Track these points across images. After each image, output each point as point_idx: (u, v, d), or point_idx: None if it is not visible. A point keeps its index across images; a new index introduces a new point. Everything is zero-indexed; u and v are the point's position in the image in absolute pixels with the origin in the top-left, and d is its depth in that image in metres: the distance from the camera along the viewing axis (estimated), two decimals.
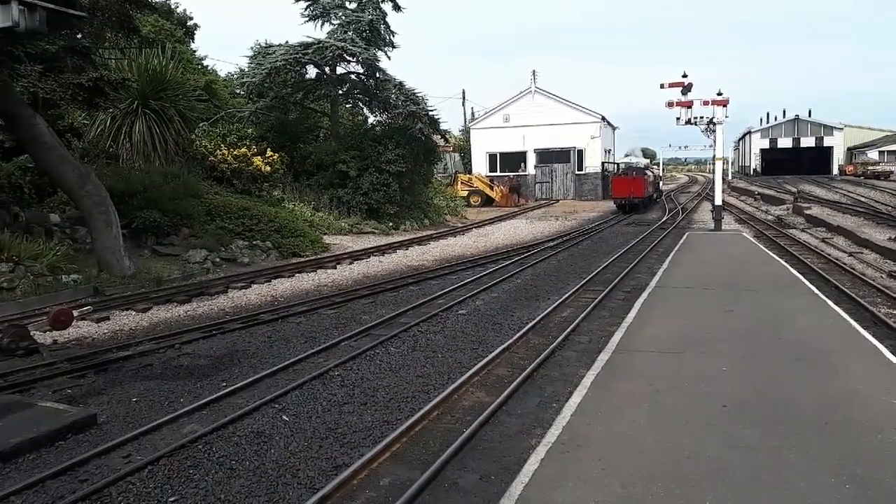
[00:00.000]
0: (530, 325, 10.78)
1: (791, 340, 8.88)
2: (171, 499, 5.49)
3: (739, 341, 8.92)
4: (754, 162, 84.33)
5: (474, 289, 14.38)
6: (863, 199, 35.28)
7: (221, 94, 30.67)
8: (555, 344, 9.54)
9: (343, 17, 26.08)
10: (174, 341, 10.33)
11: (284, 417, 7.14)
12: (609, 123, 55.51)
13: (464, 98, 77.10)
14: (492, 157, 52.43)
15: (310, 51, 23.98)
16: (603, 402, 6.77)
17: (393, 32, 27.35)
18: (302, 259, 19.00)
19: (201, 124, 24.39)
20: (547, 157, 51.08)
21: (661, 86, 23.87)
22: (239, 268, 17.33)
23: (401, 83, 26.22)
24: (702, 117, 23.74)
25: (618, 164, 52.30)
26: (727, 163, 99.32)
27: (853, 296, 12.25)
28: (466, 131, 57.44)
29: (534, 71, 52.22)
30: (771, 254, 17.79)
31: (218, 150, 22.85)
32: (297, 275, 16.43)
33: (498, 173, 50.89)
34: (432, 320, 11.37)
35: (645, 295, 12.43)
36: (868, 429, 5.88)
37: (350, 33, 25.32)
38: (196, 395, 7.99)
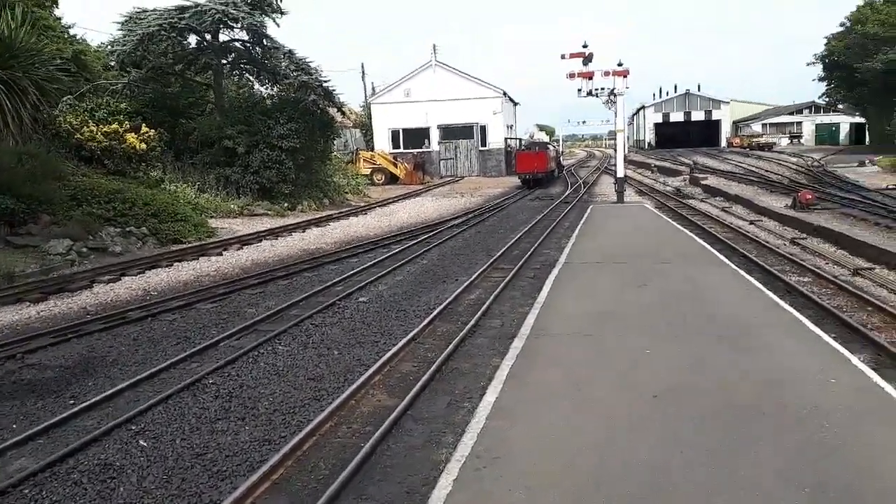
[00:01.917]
0: (437, 310, 9.82)
1: (712, 315, 8.36)
2: None
3: (659, 318, 8.32)
4: (649, 136, 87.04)
5: (377, 272, 13.28)
6: (753, 168, 36.64)
7: (93, 66, 27.68)
8: (465, 331, 8.62)
9: None
10: (18, 349, 8.66)
11: (142, 442, 5.84)
12: (510, 99, 55.25)
13: (363, 72, 74.47)
14: (394, 133, 50.99)
15: (186, 15, 21.72)
16: (520, 400, 5.89)
17: None
18: (184, 246, 17.20)
19: (65, 99, 21.73)
20: (450, 133, 50.21)
21: (563, 56, 23.40)
22: (110, 258, 15.40)
23: (290, 51, 24.31)
24: (602, 88, 23.50)
25: (520, 139, 52.20)
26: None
27: (763, 265, 12.07)
28: (367, 107, 55.63)
29: (434, 45, 51.09)
30: (676, 224, 17.68)
31: (85, 127, 20.42)
32: (175, 264, 14.73)
33: (402, 150, 49.62)
34: (329, 311, 10.19)
35: (555, 272, 11.74)
36: (811, 415, 5.28)
37: None
38: (34, 418, 6.53)
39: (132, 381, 7.22)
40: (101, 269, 13.82)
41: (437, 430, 5.88)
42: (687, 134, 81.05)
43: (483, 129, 49.58)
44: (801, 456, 4.65)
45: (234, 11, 22.05)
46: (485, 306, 9.95)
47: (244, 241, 18.08)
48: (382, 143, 50.65)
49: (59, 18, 32.13)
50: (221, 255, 16.13)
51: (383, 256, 15.31)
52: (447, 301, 10.40)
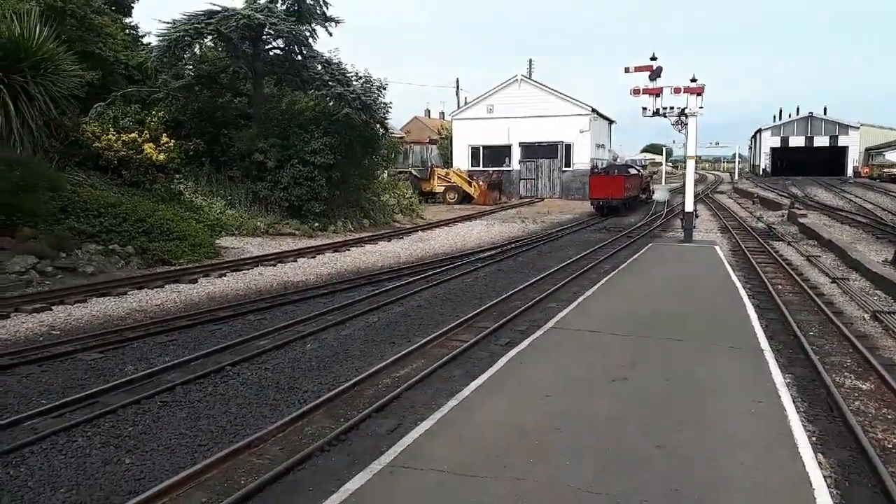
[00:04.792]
0: (332, 394, 7.49)
1: (679, 458, 5.50)
2: None
3: (596, 454, 5.57)
4: (764, 161, 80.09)
5: (332, 320, 11.11)
6: (869, 205, 31.50)
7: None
8: (313, 447, 6.17)
9: None
10: None
11: None
12: (603, 116, 51.76)
13: (458, 87, 73.63)
14: (474, 150, 48.96)
15: (213, 20, 20.65)
16: None
17: (327, 3, 23.84)
18: (170, 268, 15.80)
19: (96, 106, 21.21)
20: (533, 151, 47.50)
21: (626, 70, 20.35)
22: (78, 279, 14.14)
23: (328, 60, 22.74)
24: (672, 108, 20.20)
25: (595, 161, 48.26)
26: (741, 161, 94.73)
27: (811, 354, 8.77)
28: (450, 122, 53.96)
29: (531, 60, 48.91)
30: (734, 277, 14.31)
31: (104, 136, 19.64)
32: (134, 292, 13.19)
33: (481, 168, 47.52)
34: (201, 382, 8.03)
35: (525, 343, 9.08)
36: None
37: (262, 0, 22.00)
38: None
39: None
40: (45, 294, 12.50)
41: None
42: (808, 160, 73.77)
43: (568, 148, 46.49)
44: None
45: (259, 16, 20.71)
46: (393, 393, 7.51)
47: (239, 265, 16.49)
48: (462, 159, 48.75)
49: (135, 27, 32.49)
50: (197, 282, 14.54)
51: (364, 296, 13.17)
52: (360, 377, 8.06)
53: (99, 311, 11.73)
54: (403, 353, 9.08)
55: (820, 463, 5.57)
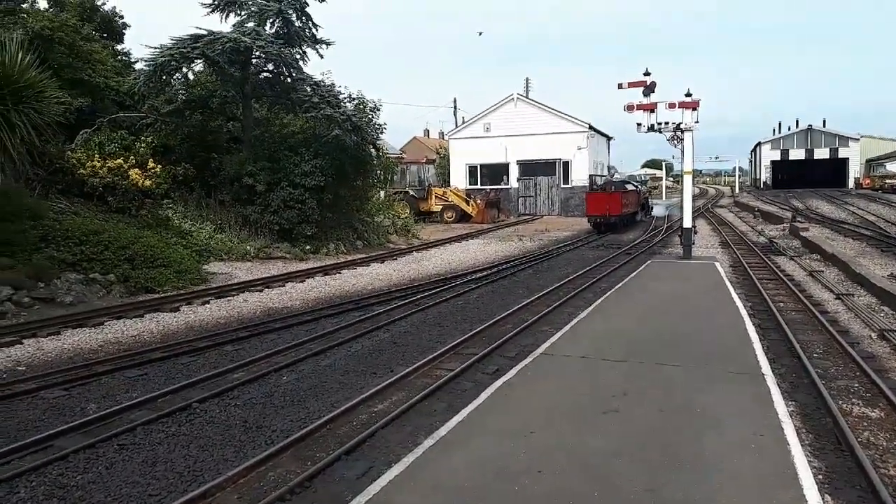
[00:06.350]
0: (299, 434, 6.99)
1: None
2: None
3: (580, 503, 5.06)
4: (765, 174, 79.71)
5: (313, 349, 10.62)
6: (872, 217, 30.97)
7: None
8: None
9: (251, 8, 22.47)
10: None
11: None
12: (600, 133, 51.48)
13: (455, 107, 73.92)
14: (472, 168, 48.72)
15: (199, 44, 20.37)
16: None
17: (316, 26, 23.65)
18: (154, 296, 15.36)
19: (82, 132, 20.93)
20: (530, 169, 47.20)
21: (620, 86, 20.01)
22: (56, 309, 13.67)
23: (318, 82, 22.42)
24: (667, 123, 19.80)
25: (594, 178, 47.93)
26: (742, 174, 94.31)
27: (815, 378, 8.25)
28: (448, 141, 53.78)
29: (527, 79, 48.81)
30: (734, 294, 13.80)
31: (89, 162, 19.29)
32: (110, 322, 12.72)
33: (479, 186, 47.24)
34: (165, 421, 7.53)
35: (513, 372, 8.58)
36: None
37: (251, 24, 21.75)
38: None
39: None
40: (18, 327, 12.03)
41: None
42: (809, 173, 73.40)
43: (566, 164, 46.18)
44: None
45: (245, 38, 20.43)
46: (368, 431, 7.01)
47: (224, 292, 16.04)
48: (459, 178, 48.50)
49: (127, 53, 32.31)
50: (178, 310, 14.08)
51: (348, 322, 12.68)
52: (334, 413, 7.56)
53: (71, 343, 11.24)
54: (383, 385, 8.58)
55: None
